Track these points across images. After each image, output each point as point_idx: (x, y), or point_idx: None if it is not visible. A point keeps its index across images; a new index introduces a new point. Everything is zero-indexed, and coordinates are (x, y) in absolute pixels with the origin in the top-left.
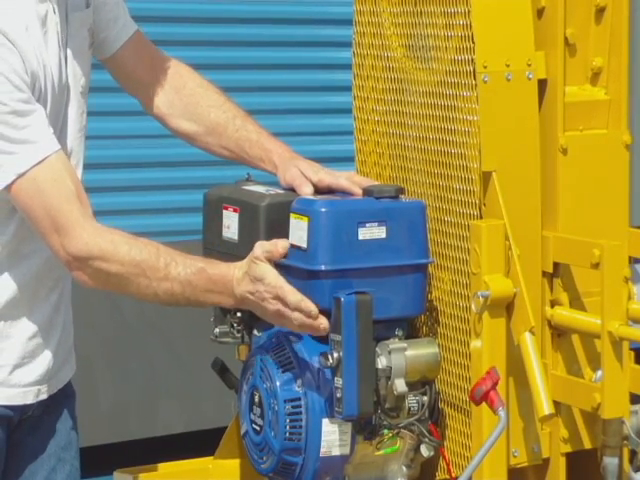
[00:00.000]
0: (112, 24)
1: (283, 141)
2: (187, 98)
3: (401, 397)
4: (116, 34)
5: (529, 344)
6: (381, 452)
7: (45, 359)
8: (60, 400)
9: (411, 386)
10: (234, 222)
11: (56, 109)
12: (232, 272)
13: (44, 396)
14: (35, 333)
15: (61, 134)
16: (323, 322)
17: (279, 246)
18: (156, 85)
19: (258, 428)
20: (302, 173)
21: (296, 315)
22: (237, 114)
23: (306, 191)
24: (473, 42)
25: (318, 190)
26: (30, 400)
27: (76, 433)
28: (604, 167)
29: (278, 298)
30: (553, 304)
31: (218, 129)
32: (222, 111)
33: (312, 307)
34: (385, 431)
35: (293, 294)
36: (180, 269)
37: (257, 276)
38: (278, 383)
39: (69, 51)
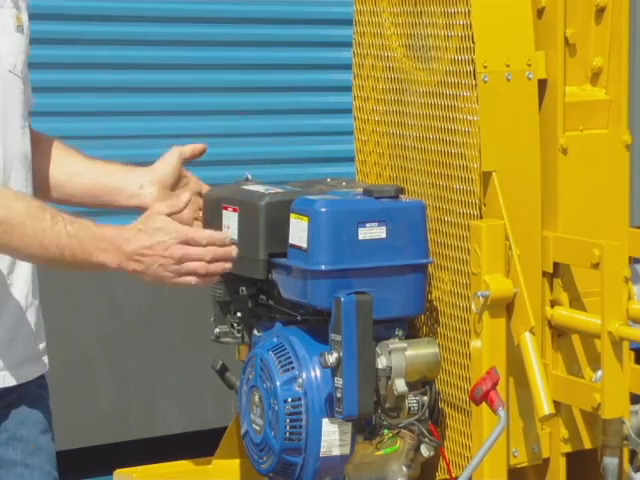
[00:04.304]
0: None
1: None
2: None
3: (401, 397)
4: None
5: (529, 344)
6: (381, 452)
7: None
8: (25, 405)
9: (411, 386)
10: (234, 222)
11: None
12: (121, 231)
13: None
14: None
15: None
16: (234, 248)
17: (180, 199)
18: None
19: (258, 428)
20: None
21: (208, 249)
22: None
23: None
24: (473, 42)
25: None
26: None
27: (49, 437)
28: (604, 167)
29: (185, 241)
30: (553, 304)
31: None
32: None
33: (223, 235)
34: (385, 431)
35: (202, 230)
36: (67, 223)
37: (158, 226)
38: (278, 383)
39: None
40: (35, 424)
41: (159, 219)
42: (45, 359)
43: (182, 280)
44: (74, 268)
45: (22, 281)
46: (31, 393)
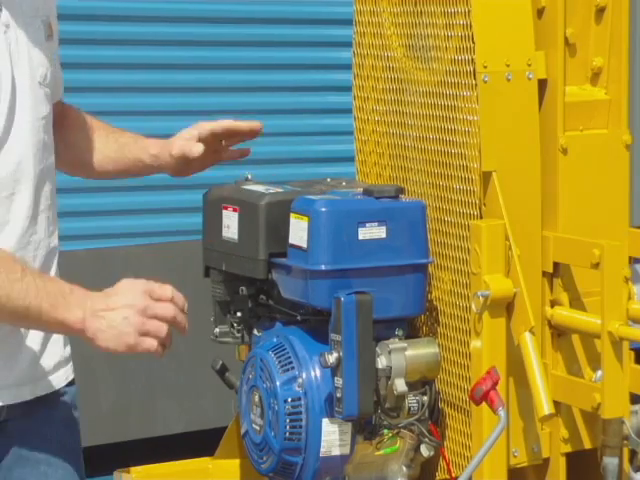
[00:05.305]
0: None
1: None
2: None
3: (401, 397)
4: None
5: (529, 344)
6: (381, 452)
7: (22, 362)
8: (49, 403)
9: (411, 386)
10: (234, 222)
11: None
12: (90, 292)
13: (25, 398)
14: (9, 331)
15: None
16: (186, 320)
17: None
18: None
19: (258, 428)
20: (184, 138)
21: (169, 306)
22: (111, 131)
23: (198, 149)
24: (473, 42)
25: (205, 141)
26: (9, 401)
27: (73, 434)
28: (604, 167)
29: (151, 291)
30: (553, 304)
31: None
32: (100, 134)
33: (183, 299)
34: (385, 431)
35: (166, 286)
36: (36, 276)
37: (124, 287)
38: (278, 383)
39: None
40: (59, 422)
41: (124, 282)
42: (71, 362)
43: (142, 341)
44: (35, 325)
45: None
46: (55, 392)
